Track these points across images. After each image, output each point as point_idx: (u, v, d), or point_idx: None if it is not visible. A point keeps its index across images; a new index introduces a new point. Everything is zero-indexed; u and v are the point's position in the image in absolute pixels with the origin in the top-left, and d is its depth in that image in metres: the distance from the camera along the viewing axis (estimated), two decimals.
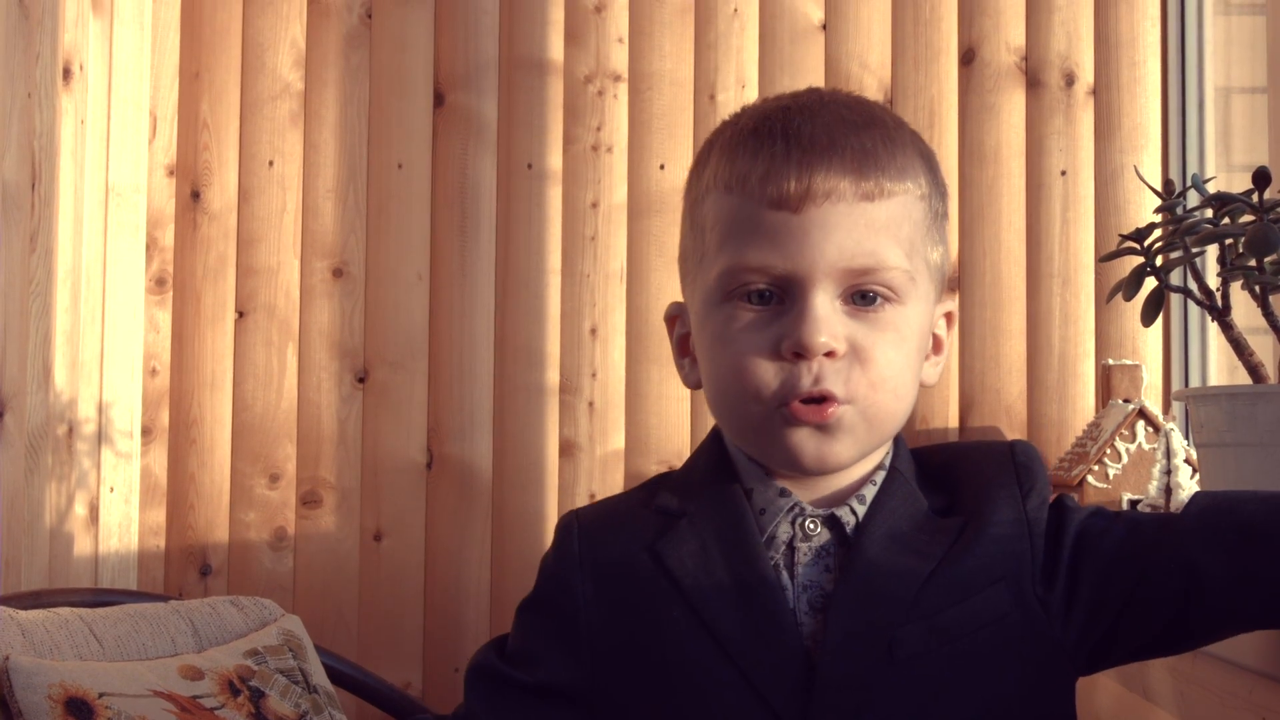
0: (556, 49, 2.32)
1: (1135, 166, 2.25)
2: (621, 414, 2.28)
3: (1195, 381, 2.20)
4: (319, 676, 1.81)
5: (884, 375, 0.89)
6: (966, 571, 0.89)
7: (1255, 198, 1.16)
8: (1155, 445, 1.95)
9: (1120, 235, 1.33)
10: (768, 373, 0.89)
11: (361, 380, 2.30)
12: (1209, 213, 1.21)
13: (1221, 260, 1.21)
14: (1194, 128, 2.24)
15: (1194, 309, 2.20)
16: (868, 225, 0.89)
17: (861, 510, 0.92)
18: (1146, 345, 2.24)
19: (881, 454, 0.95)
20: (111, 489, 2.20)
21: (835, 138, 0.90)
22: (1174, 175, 2.24)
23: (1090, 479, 1.97)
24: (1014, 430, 2.23)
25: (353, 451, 2.29)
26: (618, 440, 2.28)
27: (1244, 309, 1.24)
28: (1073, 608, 0.90)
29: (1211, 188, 1.24)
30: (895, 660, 0.87)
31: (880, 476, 0.94)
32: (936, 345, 0.98)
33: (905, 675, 0.87)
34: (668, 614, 0.91)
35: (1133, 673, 1.43)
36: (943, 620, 0.88)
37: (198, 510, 2.28)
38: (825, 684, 0.87)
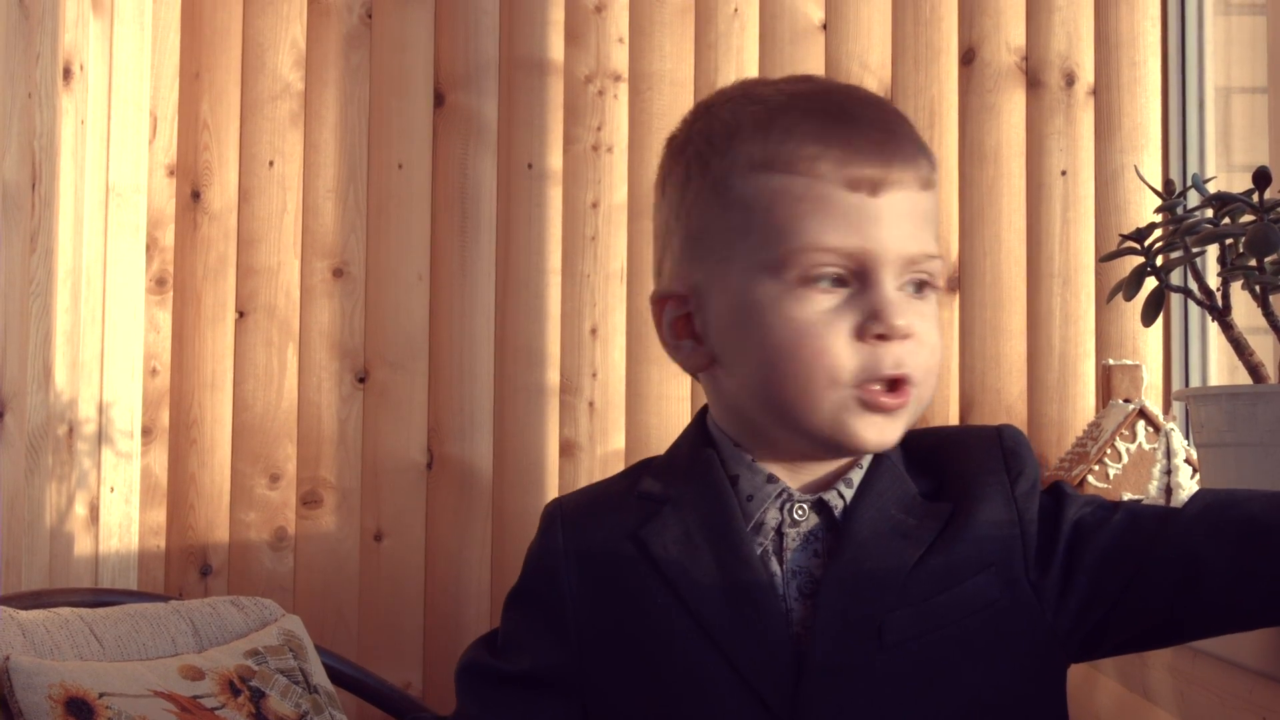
0: (557, 49, 2.32)
1: (1135, 166, 2.25)
2: (622, 414, 2.28)
3: (1195, 381, 2.20)
4: (319, 676, 1.81)
5: (935, 361, 0.91)
6: (955, 558, 0.89)
7: (1255, 198, 1.16)
8: (1155, 445, 1.95)
9: (1120, 235, 1.33)
10: (845, 356, 0.88)
11: (362, 380, 2.30)
12: (1209, 213, 1.21)
13: (1222, 260, 1.21)
14: (1194, 128, 2.24)
15: (1194, 309, 2.20)
16: (923, 214, 0.91)
17: (849, 494, 0.92)
18: (1147, 345, 2.24)
19: None
20: (112, 489, 2.20)
21: (894, 125, 0.92)
22: (1174, 175, 2.24)
23: (1090, 479, 1.97)
24: None
25: (353, 452, 2.29)
26: (618, 440, 2.28)
27: (1244, 309, 1.24)
28: (1067, 596, 0.90)
29: (1212, 188, 1.24)
30: (884, 645, 0.87)
31: (867, 460, 0.94)
32: None
33: (894, 660, 0.87)
34: (652, 602, 0.91)
35: (1133, 673, 1.43)
36: (932, 606, 0.88)
37: (198, 510, 2.28)
38: (814, 669, 0.87)
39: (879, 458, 0.94)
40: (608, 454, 2.27)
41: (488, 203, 2.31)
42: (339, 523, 2.28)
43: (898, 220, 0.89)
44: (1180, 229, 1.22)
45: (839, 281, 0.89)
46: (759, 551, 0.91)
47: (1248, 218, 1.18)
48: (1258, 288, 1.18)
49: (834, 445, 0.91)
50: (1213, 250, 1.23)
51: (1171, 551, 0.88)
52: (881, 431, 0.90)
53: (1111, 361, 2.15)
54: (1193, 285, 1.25)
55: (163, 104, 2.32)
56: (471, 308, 2.29)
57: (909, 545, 0.90)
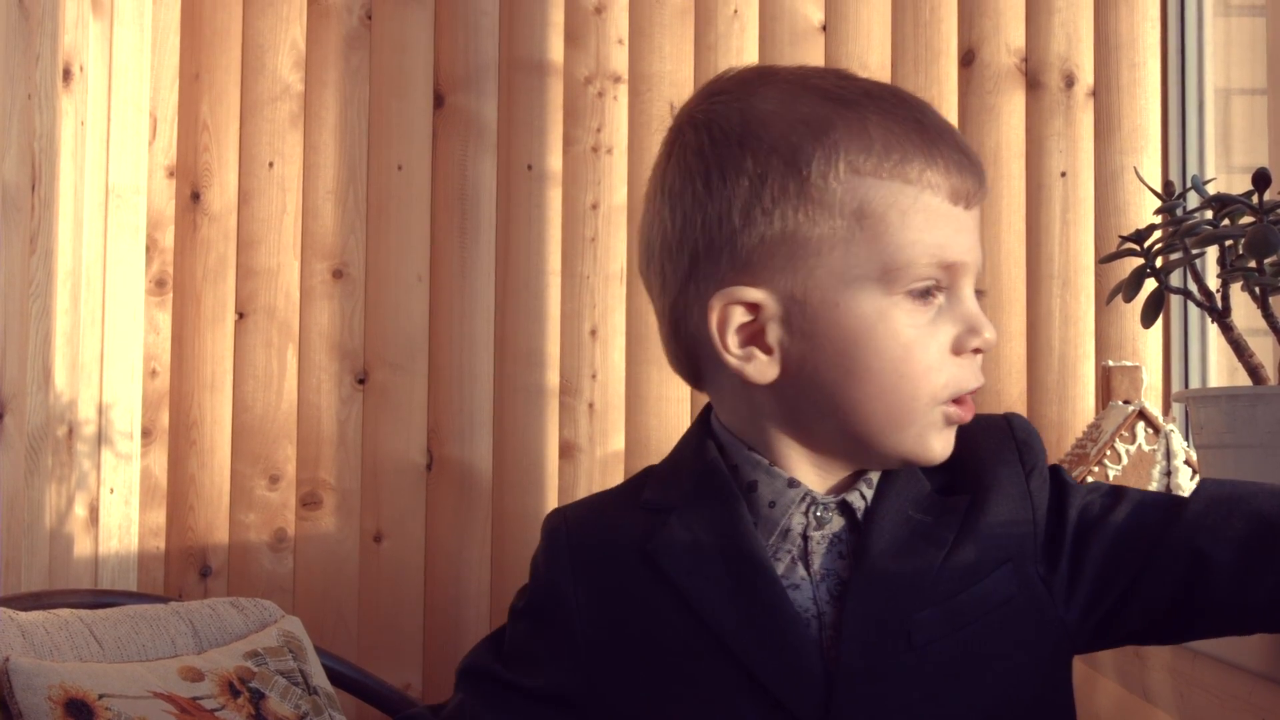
0: (556, 50, 2.32)
1: (1135, 168, 2.25)
2: (621, 415, 2.28)
3: (1195, 383, 2.20)
4: (319, 678, 1.81)
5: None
6: (976, 554, 0.88)
7: (1255, 199, 1.16)
8: (1155, 446, 1.95)
9: (1120, 236, 1.33)
10: (943, 369, 0.87)
11: (361, 381, 2.30)
12: (1209, 214, 1.21)
13: (1221, 262, 1.21)
14: (1194, 129, 2.24)
15: (1194, 310, 2.21)
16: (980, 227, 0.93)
17: (869, 494, 0.91)
18: (1146, 346, 2.24)
19: None
20: (111, 490, 2.20)
21: (958, 134, 0.93)
22: (1174, 176, 2.24)
23: (1090, 480, 1.97)
24: None
25: (353, 453, 2.29)
26: (618, 442, 2.28)
27: (1244, 310, 1.23)
28: (1075, 588, 0.90)
29: (1211, 189, 1.24)
30: (914, 646, 0.86)
31: None
32: None
33: (924, 661, 0.86)
34: (664, 617, 0.89)
35: (1132, 674, 1.43)
36: (957, 604, 0.87)
37: (198, 511, 2.28)
38: (847, 673, 0.85)
39: None
40: (607, 455, 2.27)
41: (487, 204, 2.31)
42: (339, 524, 2.28)
43: (975, 231, 0.90)
44: (1180, 230, 1.22)
45: (930, 294, 0.88)
46: (787, 558, 0.89)
47: (1247, 219, 1.18)
48: (1257, 289, 1.18)
49: (904, 459, 0.89)
50: (1212, 252, 1.23)
51: (1177, 546, 0.87)
52: (947, 444, 0.90)
53: (1111, 363, 2.15)
54: (1192, 287, 1.25)
55: (162, 105, 2.32)
56: (471, 309, 2.29)
57: (932, 545, 0.88)
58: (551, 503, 2.27)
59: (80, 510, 2.09)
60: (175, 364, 2.31)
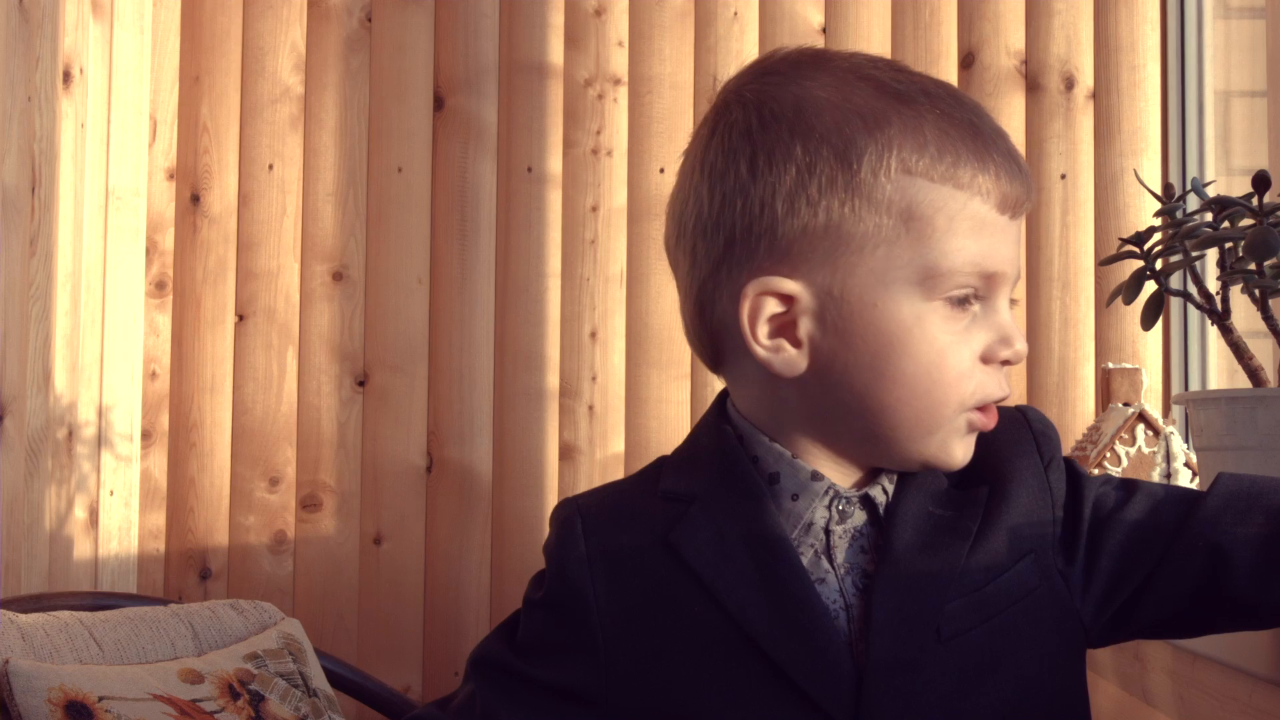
0: (556, 52, 2.32)
1: (1135, 170, 2.25)
2: (621, 418, 2.28)
3: (1195, 385, 2.20)
4: (319, 680, 1.81)
5: None
6: (999, 546, 0.88)
7: (1255, 201, 1.16)
8: (1155, 449, 1.95)
9: (1120, 239, 1.33)
10: (973, 376, 0.87)
11: (361, 384, 2.30)
12: (1209, 216, 1.21)
13: (1221, 264, 1.21)
14: (1194, 131, 2.24)
15: (1194, 313, 2.21)
16: None
17: (891, 489, 0.90)
18: (1146, 349, 2.24)
19: None
20: (111, 492, 2.20)
21: (1008, 139, 0.91)
22: (1174, 179, 2.25)
23: None
24: None
25: (352, 455, 2.29)
26: (618, 444, 2.28)
27: (1244, 313, 1.23)
28: (1091, 581, 0.89)
29: (1211, 191, 1.24)
30: (943, 638, 0.85)
31: None
32: None
33: (953, 653, 0.85)
34: (689, 611, 0.87)
35: (1132, 675, 1.43)
36: (983, 596, 0.87)
37: (197, 514, 2.28)
38: (877, 667, 0.84)
39: None
40: (607, 458, 2.27)
41: (487, 206, 2.31)
42: (338, 526, 2.28)
43: (1018, 242, 0.90)
44: (1180, 233, 1.22)
45: (967, 301, 0.87)
46: (810, 552, 0.88)
47: (1247, 221, 1.18)
48: (1257, 291, 1.18)
49: (925, 463, 0.89)
50: (1212, 254, 1.23)
51: (1195, 541, 0.87)
52: (968, 451, 0.89)
53: (1111, 365, 2.15)
54: (1192, 289, 1.25)
55: (162, 107, 2.32)
56: (471, 311, 2.30)
57: (956, 537, 0.88)
58: (551, 505, 2.26)
59: (80, 512, 2.09)
60: (175, 366, 2.31)
